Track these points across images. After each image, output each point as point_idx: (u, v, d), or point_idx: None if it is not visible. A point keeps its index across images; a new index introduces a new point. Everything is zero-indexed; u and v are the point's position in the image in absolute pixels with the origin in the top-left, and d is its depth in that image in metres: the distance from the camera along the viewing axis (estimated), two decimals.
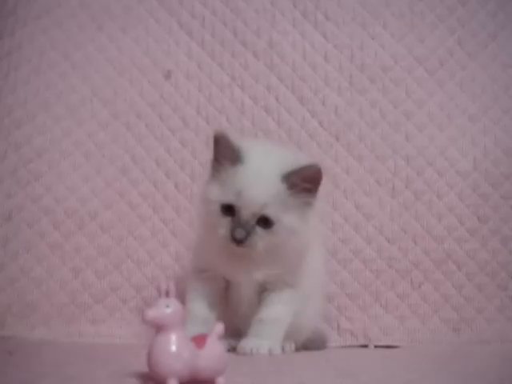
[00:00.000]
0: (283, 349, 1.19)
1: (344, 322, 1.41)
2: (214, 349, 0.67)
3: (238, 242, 1.05)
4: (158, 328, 0.64)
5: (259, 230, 1.06)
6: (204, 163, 1.36)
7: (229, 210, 1.06)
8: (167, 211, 1.43)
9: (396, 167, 1.47)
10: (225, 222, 1.06)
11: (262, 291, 1.14)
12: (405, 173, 1.47)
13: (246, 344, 1.07)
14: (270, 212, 1.04)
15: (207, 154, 1.40)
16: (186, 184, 1.45)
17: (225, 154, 1.07)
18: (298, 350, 1.22)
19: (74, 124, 1.45)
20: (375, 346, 1.39)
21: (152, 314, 0.63)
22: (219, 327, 0.69)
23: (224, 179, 1.07)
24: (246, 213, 1.05)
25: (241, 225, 1.05)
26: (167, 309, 0.64)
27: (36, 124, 1.43)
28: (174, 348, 0.63)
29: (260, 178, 1.05)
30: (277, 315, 1.13)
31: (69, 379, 0.84)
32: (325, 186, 1.10)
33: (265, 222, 1.05)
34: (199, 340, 0.66)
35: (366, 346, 1.40)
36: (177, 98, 1.49)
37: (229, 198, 1.06)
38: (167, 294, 0.65)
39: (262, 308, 1.13)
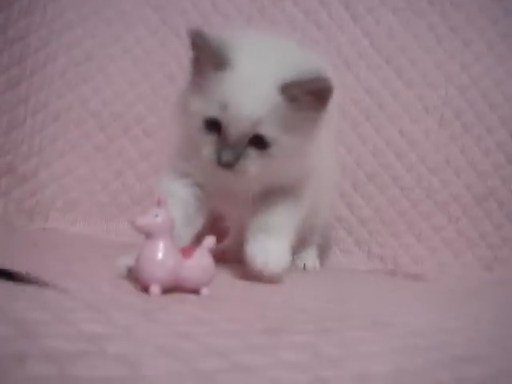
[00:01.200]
0: (304, 266, 1.22)
1: (375, 246, 1.44)
2: (202, 260, 0.70)
3: (226, 165, 0.86)
4: (147, 235, 0.67)
5: (252, 151, 0.86)
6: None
7: (214, 125, 0.86)
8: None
9: (447, 96, 1.44)
10: (209, 141, 0.87)
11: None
12: (456, 103, 1.44)
13: (255, 258, 0.90)
14: (266, 130, 0.85)
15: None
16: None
17: (206, 57, 0.86)
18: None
19: (124, 29, 1.46)
20: (402, 274, 1.39)
21: (141, 221, 0.67)
22: (210, 240, 0.71)
23: (207, 88, 0.86)
24: (235, 131, 0.85)
25: (229, 145, 0.85)
26: (156, 217, 0.67)
27: (87, 27, 1.46)
28: (159, 255, 0.66)
29: (252, 86, 0.84)
30: (280, 222, 0.95)
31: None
32: (338, 98, 0.90)
33: (259, 141, 0.86)
34: (188, 251, 0.70)
35: (394, 273, 1.41)
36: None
37: (213, 112, 0.85)
38: (158, 204, 0.68)
39: (261, 213, 0.95)
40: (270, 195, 0.96)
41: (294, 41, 0.94)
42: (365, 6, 1.46)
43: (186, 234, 0.91)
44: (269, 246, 0.91)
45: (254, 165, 0.87)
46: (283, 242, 0.94)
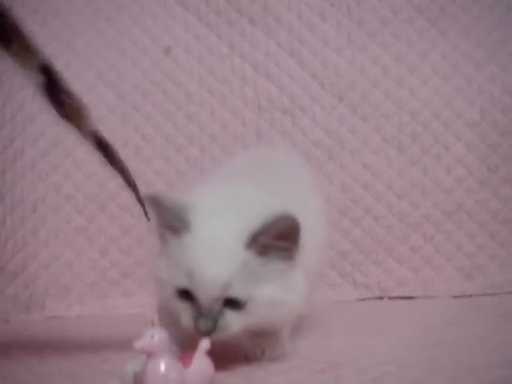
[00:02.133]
0: None
1: (359, 276, 1.51)
2: (201, 365, 0.76)
3: (205, 334, 0.81)
4: (148, 355, 0.73)
5: (229, 313, 0.83)
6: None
7: (186, 295, 0.83)
8: (181, 187, 1.52)
9: (402, 123, 1.51)
10: (185, 309, 0.83)
11: None
12: (411, 128, 1.51)
13: (255, 347, 0.92)
14: (237, 292, 0.81)
15: (213, 128, 1.52)
16: (196, 159, 1.53)
17: (165, 221, 0.85)
18: None
19: None
20: (389, 298, 1.49)
21: (140, 344, 0.73)
22: (205, 343, 0.78)
23: (172, 255, 0.84)
24: (206, 298, 0.81)
25: (203, 314, 0.81)
26: (153, 338, 0.73)
27: (48, 116, 1.50)
28: (161, 372, 0.73)
29: (215, 248, 0.81)
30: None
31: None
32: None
33: (234, 303, 0.82)
34: (187, 358, 0.77)
35: (381, 298, 1.50)
36: (178, 74, 1.54)
37: (181, 281, 0.82)
38: (153, 324, 0.75)
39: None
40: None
41: (252, 188, 0.91)
42: (309, 50, 1.52)
43: None
44: (267, 345, 0.92)
45: (233, 325, 0.83)
46: (284, 329, 0.94)
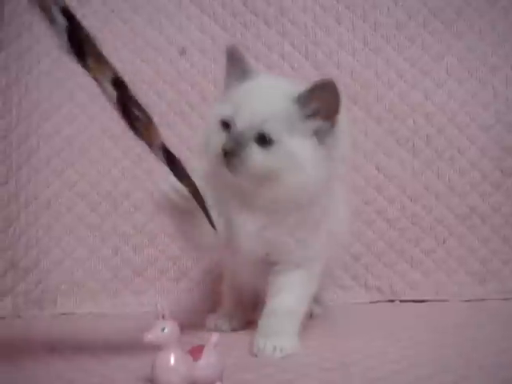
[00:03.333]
0: (311, 314, 1.28)
1: (371, 279, 1.54)
2: (211, 358, 0.79)
3: (228, 153, 0.94)
4: (157, 347, 0.76)
5: (255, 147, 0.95)
6: None
7: (226, 126, 0.98)
8: None
9: (416, 126, 1.54)
10: (220, 137, 0.97)
11: (269, 267, 1.05)
12: (425, 131, 1.53)
13: (264, 345, 0.97)
14: (270, 128, 0.94)
15: None
16: None
17: (235, 69, 1.02)
18: None
19: (100, 110, 1.54)
20: (400, 301, 1.51)
21: (150, 336, 0.76)
22: (215, 337, 0.80)
23: (230, 95, 1.01)
24: (241, 125, 0.95)
25: (235, 137, 0.95)
26: (163, 331, 0.76)
27: (63, 114, 1.55)
28: (171, 364, 0.76)
29: (265, 92, 0.99)
30: (291, 306, 1.02)
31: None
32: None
33: (264, 140, 0.94)
34: (196, 352, 0.79)
35: (392, 301, 1.52)
36: (193, 74, 1.57)
37: (227, 112, 0.98)
38: (163, 317, 0.77)
39: (273, 296, 1.03)
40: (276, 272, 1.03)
41: None
42: (324, 52, 1.55)
43: None
44: (274, 341, 0.97)
45: (254, 160, 0.94)
46: (295, 327, 1.02)
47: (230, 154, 0.94)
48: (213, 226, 0.95)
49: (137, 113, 0.85)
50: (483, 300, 1.48)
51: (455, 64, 1.53)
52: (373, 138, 1.54)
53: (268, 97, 0.97)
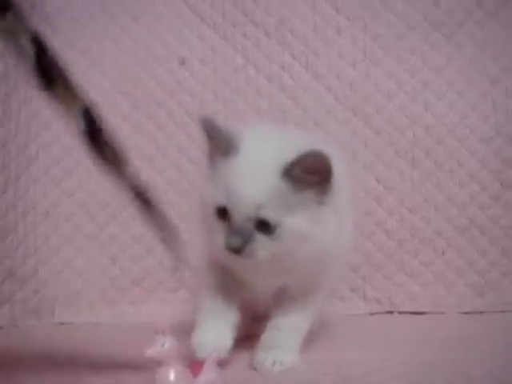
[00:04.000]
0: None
1: (369, 290, 1.54)
2: (210, 375, 0.80)
3: (234, 251, 0.91)
4: (158, 363, 0.77)
5: (259, 236, 0.90)
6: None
7: (223, 214, 0.92)
8: (194, 198, 1.54)
9: (415, 138, 1.54)
10: (220, 228, 0.93)
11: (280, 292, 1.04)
12: (424, 143, 1.54)
13: (264, 358, 0.98)
14: (268, 214, 0.89)
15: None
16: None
17: (215, 144, 0.94)
18: None
19: None
20: (399, 313, 1.52)
21: (150, 352, 0.76)
22: (214, 353, 0.81)
23: (218, 176, 0.94)
24: (239, 216, 0.90)
25: (236, 231, 0.90)
26: (163, 346, 0.76)
27: (61, 123, 1.54)
28: (171, 380, 0.76)
29: (254, 172, 0.90)
30: (297, 323, 1.03)
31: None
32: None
33: (264, 226, 0.90)
34: (196, 367, 0.79)
35: (391, 313, 1.52)
36: (193, 84, 1.58)
37: (221, 199, 0.92)
38: (163, 333, 0.77)
39: (280, 314, 1.03)
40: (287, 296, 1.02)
41: (301, 130, 1.08)
42: (324, 63, 1.56)
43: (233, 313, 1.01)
44: (274, 354, 0.97)
45: (261, 249, 0.91)
46: (297, 343, 1.01)
47: (238, 253, 0.91)
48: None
49: (106, 145, 0.87)
50: (482, 312, 1.48)
51: (455, 76, 1.54)
52: (372, 149, 1.54)
53: (258, 178, 0.90)
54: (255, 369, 0.97)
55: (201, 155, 1.57)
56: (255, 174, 0.90)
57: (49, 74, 0.79)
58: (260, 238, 0.91)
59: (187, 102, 1.57)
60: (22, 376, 0.96)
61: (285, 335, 1.01)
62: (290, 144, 0.92)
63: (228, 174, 0.92)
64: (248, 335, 1.17)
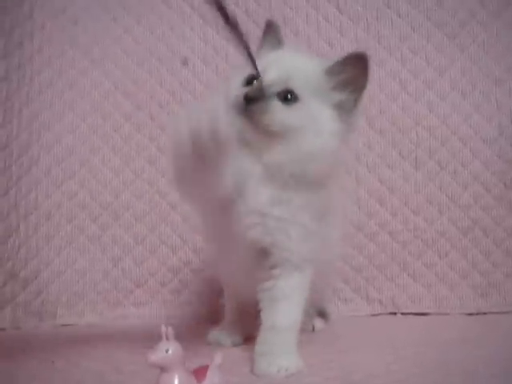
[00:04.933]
0: (313, 328, 1.30)
1: (372, 291, 1.55)
2: (214, 380, 0.79)
3: (249, 101, 0.93)
4: (161, 368, 0.76)
5: (277, 102, 0.95)
6: None
7: (251, 81, 0.98)
8: None
9: (419, 138, 1.55)
10: (241, 90, 0.96)
11: (265, 271, 1.00)
12: (428, 143, 1.55)
13: (268, 365, 0.95)
14: (296, 86, 0.95)
15: None
16: None
17: (269, 40, 1.07)
18: None
19: (100, 119, 1.58)
20: (402, 314, 1.52)
21: (154, 357, 0.75)
22: (218, 357, 0.81)
23: (260, 60, 0.99)
24: (268, 78, 0.96)
25: (260, 87, 0.94)
26: (167, 352, 0.76)
27: (64, 123, 1.58)
28: None
29: (296, 56, 1.02)
30: (291, 319, 1.00)
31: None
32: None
33: (286, 97, 0.95)
34: (200, 372, 0.79)
35: (394, 314, 1.53)
36: (196, 84, 1.59)
37: (256, 72, 0.96)
38: (167, 338, 0.78)
39: (272, 309, 1.00)
40: (282, 274, 0.99)
41: None
42: None
43: None
44: (278, 361, 0.96)
45: (275, 111, 0.94)
46: (294, 343, 1.00)
47: (253, 102, 0.93)
48: (256, 70, 0.96)
49: None
50: (486, 313, 1.48)
51: (459, 76, 1.55)
52: (376, 150, 1.55)
53: (298, 60, 1.01)
54: (257, 375, 0.96)
55: None
56: (297, 59, 1.01)
57: None
58: (278, 103, 0.95)
59: (189, 103, 1.57)
60: (23, 377, 0.97)
61: (281, 336, 0.99)
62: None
63: (271, 56, 1.02)
64: (249, 336, 1.18)
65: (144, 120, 1.58)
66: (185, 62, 1.58)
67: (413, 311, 1.52)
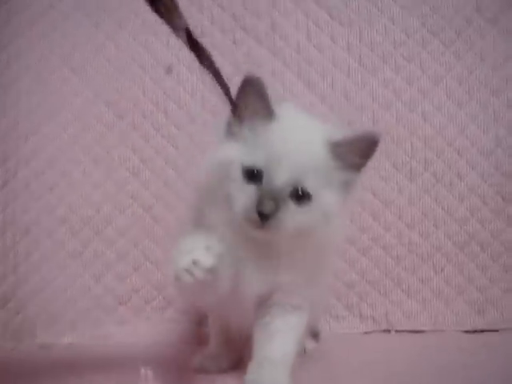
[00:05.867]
0: (305, 350, 1.25)
1: (365, 308, 1.51)
2: None
3: (264, 217, 0.85)
4: None
5: (291, 204, 0.88)
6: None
7: (253, 177, 0.89)
8: (181, 211, 1.48)
9: (413, 149, 1.51)
10: (247, 192, 0.88)
11: (262, 309, 0.99)
12: (423, 154, 1.51)
13: None
14: (309, 183, 0.88)
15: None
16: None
17: (255, 104, 0.90)
18: None
19: (81, 129, 1.52)
20: (396, 331, 1.49)
21: None
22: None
23: (249, 137, 0.90)
24: (279, 181, 0.87)
25: (271, 195, 0.86)
26: None
27: (44, 133, 1.52)
28: None
29: (301, 139, 0.90)
30: (285, 352, 0.97)
31: None
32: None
33: (298, 196, 0.88)
34: None
35: (388, 332, 1.50)
36: (181, 93, 1.54)
37: (256, 160, 0.88)
38: (146, 379, 0.74)
39: (267, 342, 0.97)
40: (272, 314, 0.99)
41: None
42: (317, 71, 1.52)
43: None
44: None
45: (289, 219, 0.88)
46: (287, 373, 0.96)
47: (267, 218, 0.86)
48: (233, 105, 0.91)
49: None
50: (483, 331, 1.46)
51: (455, 85, 1.51)
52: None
53: (306, 146, 0.90)
54: None
55: (189, 168, 1.57)
56: (303, 142, 0.90)
57: None
58: (292, 207, 0.89)
59: (174, 113, 1.53)
60: None
61: (274, 368, 0.95)
62: (328, 123, 0.95)
63: (269, 136, 0.89)
64: (235, 361, 1.14)
65: (127, 130, 1.53)
66: (169, 70, 1.52)
67: (407, 328, 1.49)
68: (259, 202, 0.86)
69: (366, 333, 1.49)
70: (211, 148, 0.95)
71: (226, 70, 1.48)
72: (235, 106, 0.92)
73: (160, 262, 1.51)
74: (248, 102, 0.91)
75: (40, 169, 1.52)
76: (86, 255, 1.51)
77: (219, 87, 0.92)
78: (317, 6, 1.53)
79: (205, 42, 1.49)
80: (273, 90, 0.90)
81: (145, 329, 1.48)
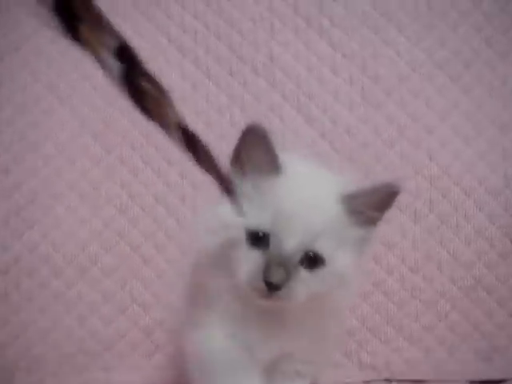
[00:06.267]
0: None
1: (365, 356, 1.46)
2: None
3: (274, 288, 0.78)
4: None
5: (303, 272, 0.80)
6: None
7: (259, 240, 0.81)
8: (171, 251, 1.45)
9: (418, 189, 1.46)
10: (253, 257, 0.80)
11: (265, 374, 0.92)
12: (428, 195, 1.47)
13: None
14: (322, 245, 0.80)
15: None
16: (188, 220, 1.46)
17: (259, 157, 0.82)
18: None
19: (66, 163, 1.46)
20: (397, 381, 1.43)
21: None
22: None
23: (253, 195, 0.82)
24: (290, 244, 0.79)
25: (280, 261, 0.78)
26: None
27: (26, 167, 1.45)
28: None
29: (310, 196, 0.82)
30: None
31: None
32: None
33: (311, 261, 0.81)
34: None
35: (389, 381, 1.44)
36: None
37: (262, 221, 0.80)
38: None
39: None
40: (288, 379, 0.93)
41: None
42: (317, 105, 1.46)
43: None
44: None
45: (302, 287, 0.80)
46: None
47: (277, 289, 0.78)
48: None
49: (146, 87, 0.68)
50: (489, 381, 1.40)
51: (462, 122, 1.47)
52: None
53: (317, 203, 0.81)
54: None
55: (180, 205, 1.50)
56: (312, 199, 0.81)
57: (74, 9, 0.62)
58: (304, 274, 0.80)
59: (165, 146, 1.45)
60: None
61: None
62: (341, 176, 0.87)
63: (277, 196, 0.81)
64: None
65: (114, 164, 1.46)
66: None
67: (409, 378, 1.44)
68: (266, 270, 0.78)
69: (365, 382, 1.44)
70: (206, 205, 0.87)
71: (221, 101, 1.47)
72: (236, 159, 0.84)
73: (148, 305, 1.44)
74: (251, 154, 0.83)
75: (21, 204, 1.45)
76: (69, 296, 1.45)
77: (224, 192, 0.76)
78: (318, 36, 1.48)
79: (198, 72, 1.47)
80: (278, 140, 0.81)
81: (131, 376, 1.41)
